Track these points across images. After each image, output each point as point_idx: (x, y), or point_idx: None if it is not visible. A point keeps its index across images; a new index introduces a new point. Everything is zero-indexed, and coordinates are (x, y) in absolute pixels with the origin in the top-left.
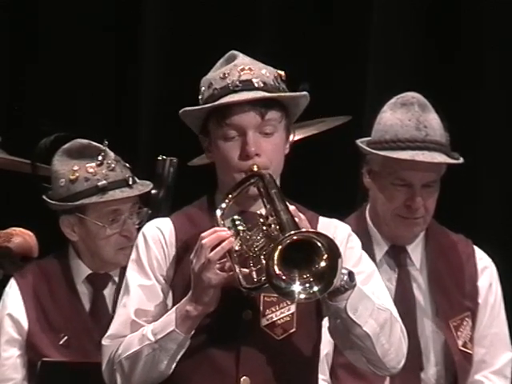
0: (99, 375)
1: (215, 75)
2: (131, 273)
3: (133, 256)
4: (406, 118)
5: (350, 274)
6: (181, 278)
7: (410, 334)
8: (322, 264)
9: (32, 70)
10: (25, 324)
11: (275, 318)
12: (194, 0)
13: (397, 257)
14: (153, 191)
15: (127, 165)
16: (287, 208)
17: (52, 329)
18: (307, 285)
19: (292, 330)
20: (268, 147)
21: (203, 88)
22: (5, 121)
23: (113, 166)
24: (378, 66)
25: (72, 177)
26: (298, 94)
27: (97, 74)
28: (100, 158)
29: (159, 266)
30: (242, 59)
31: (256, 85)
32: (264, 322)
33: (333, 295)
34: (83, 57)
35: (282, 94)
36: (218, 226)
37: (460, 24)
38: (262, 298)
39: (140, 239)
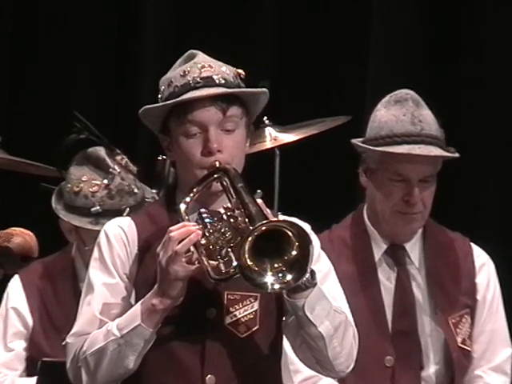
0: None
1: (175, 73)
2: (94, 271)
3: (95, 254)
4: (400, 113)
5: (312, 273)
6: (143, 276)
7: (411, 333)
8: (294, 253)
9: (32, 71)
10: (30, 321)
11: (239, 316)
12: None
13: (396, 256)
14: (153, 191)
15: (135, 190)
16: (255, 200)
17: (55, 329)
18: (280, 274)
19: (255, 328)
20: (229, 144)
21: (163, 87)
22: (5, 121)
23: (113, 193)
24: (378, 66)
25: (76, 188)
26: (258, 90)
27: (96, 73)
28: (106, 181)
29: (122, 265)
30: (203, 57)
31: (217, 81)
32: (228, 320)
33: (293, 292)
34: (82, 57)
35: (244, 90)
36: (182, 220)
37: (460, 24)
38: (225, 295)
39: (102, 238)
